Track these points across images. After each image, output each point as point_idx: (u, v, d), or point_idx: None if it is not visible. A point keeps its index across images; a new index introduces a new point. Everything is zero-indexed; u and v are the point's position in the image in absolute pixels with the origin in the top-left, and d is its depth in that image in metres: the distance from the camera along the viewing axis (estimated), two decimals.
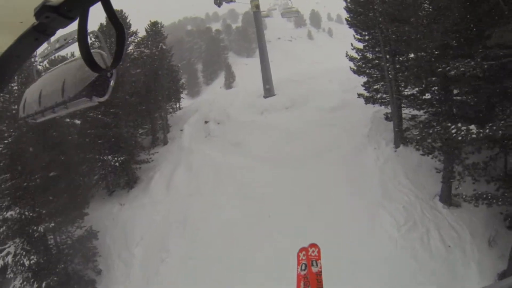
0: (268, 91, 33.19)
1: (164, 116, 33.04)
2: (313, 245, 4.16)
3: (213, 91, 74.20)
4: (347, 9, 23.05)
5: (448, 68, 13.52)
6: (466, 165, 16.80)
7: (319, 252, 4.12)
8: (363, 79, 24.36)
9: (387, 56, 21.44)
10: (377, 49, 22.70)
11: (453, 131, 14.20)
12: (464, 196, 15.92)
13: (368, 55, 23.39)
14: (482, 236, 17.14)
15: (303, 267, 4.05)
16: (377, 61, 22.99)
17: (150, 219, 23.12)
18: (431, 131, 16.38)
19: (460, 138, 14.02)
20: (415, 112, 21.24)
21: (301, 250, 4.19)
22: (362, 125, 25.08)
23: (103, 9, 1.18)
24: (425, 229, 17.70)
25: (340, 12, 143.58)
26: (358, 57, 23.77)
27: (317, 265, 4.04)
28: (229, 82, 76.11)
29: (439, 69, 14.23)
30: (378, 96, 23.57)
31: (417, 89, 19.29)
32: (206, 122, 31.59)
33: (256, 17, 36.25)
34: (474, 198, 15.33)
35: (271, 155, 24.85)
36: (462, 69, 12.96)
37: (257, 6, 35.21)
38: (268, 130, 27.15)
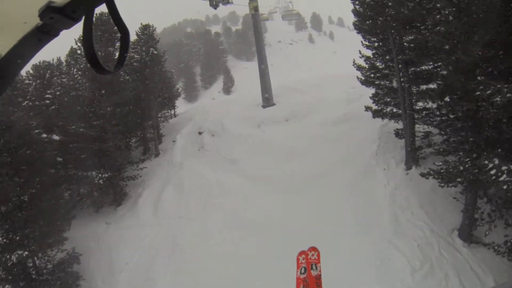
0: (267, 101, 30.61)
1: (156, 126, 30.57)
2: (313, 248, 4.25)
3: (211, 95, 72.01)
4: (355, 13, 20.44)
5: (489, 92, 10.77)
6: (496, 203, 13.95)
7: (318, 255, 4.23)
8: (371, 90, 21.73)
9: (400, 66, 18.90)
10: (387, 57, 20.17)
11: (488, 167, 11.40)
12: (495, 247, 12.77)
13: (378, 64, 20.77)
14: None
15: (303, 271, 4.19)
16: (387, 71, 20.42)
17: (137, 243, 21.05)
18: (455, 163, 13.78)
19: (495, 178, 11.21)
20: (427, 125, 18.93)
21: (300, 253, 4.28)
22: (369, 141, 22.57)
23: (108, 10, 1.19)
24: (443, 274, 14.70)
25: (341, 16, 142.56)
26: (367, 66, 21.11)
27: (316, 268, 4.18)
28: (228, 87, 73.52)
29: (477, 93, 11.47)
30: (388, 109, 20.98)
31: (437, 106, 16.64)
32: (200, 133, 29.26)
33: (255, 20, 33.65)
34: (508, 250, 12.27)
35: (267, 176, 22.36)
36: (508, 94, 10.16)
37: (256, 8, 32.65)
38: (265, 146, 24.67)
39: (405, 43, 18.41)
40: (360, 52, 21.15)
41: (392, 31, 18.31)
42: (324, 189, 19.79)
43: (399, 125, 20.90)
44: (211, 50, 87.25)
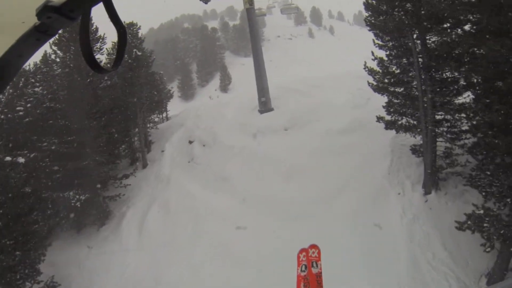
0: (264, 105, 27.22)
1: (142, 134, 27.41)
2: (313, 246, 4.10)
3: (208, 93, 68.73)
4: (367, 5, 17.07)
5: None
6: None
7: (319, 253, 4.08)
8: (383, 98, 18.48)
9: (421, 72, 15.64)
10: (405, 60, 16.88)
11: None
12: None
13: (393, 69, 17.41)
14: None
15: (303, 268, 4.03)
16: (404, 76, 17.14)
17: (120, 271, 18.77)
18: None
19: None
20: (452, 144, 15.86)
21: (301, 251, 4.15)
22: (380, 156, 19.37)
23: (105, 9, 1.19)
24: None
25: (341, 10, 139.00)
26: (380, 71, 17.73)
27: (317, 266, 4.02)
28: (225, 84, 70.01)
29: None
30: (403, 120, 17.71)
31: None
32: (190, 142, 26.11)
33: (250, 14, 29.98)
34: None
35: (263, 198, 19.18)
36: None
37: (251, 2, 29.05)
38: (261, 162, 21.43)
39: (430, 44, 15.15)
40: (373, 54, 17.67)
41: (413, 30, 15.05)
42: (327, 217, 16.58)
43: (416, 140, 17.73)
44: (208, 46, 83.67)
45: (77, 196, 21.54)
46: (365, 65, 17.92)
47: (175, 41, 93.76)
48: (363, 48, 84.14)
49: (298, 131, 23.41)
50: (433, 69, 15.36)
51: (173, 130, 29.11)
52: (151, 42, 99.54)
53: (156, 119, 34.12)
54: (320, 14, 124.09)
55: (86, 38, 1.15)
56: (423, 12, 14.26)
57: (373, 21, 16.60)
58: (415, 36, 15.32)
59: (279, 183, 19.68)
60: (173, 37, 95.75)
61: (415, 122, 17.18)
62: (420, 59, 15.48)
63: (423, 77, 15.58)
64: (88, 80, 23.01)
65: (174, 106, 50.67)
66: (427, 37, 15.11)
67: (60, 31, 1.47)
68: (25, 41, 1.28)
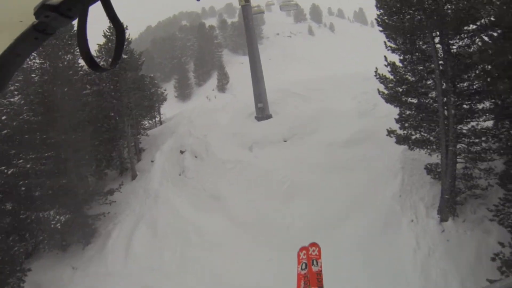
0: (261, 111, 24.85)
1: (130, 143, 25.18)
2: (314, 244, 4.20)
3: (205, 93, 66.10)
4: (379, 2, 14.64)
5: None
6: None
7: (319, 251, 4.17)
8: (395, 109, 16.11)
9: (443, 82, 13.28)
10: (420, 67, 14.46)
11: None
12: None
13: (408, 76, 14.91)
14: None
15: (304, 266, 4.13)
16: (419, 84, 14.70)
17: None
18: None
19: None
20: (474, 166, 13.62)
21: (301, 249, 4.23)
22: (390, 174, 17.09)
23: (103, 8, 1.18)
24: None
25: (341, 7, 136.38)
26: (394, 79, 15.24)
27: (317, 264, 4.12)
28: (222, 84, 67.15)
29: None
30: (417, 136, 15.35)
31: None
32: (181, 152, 23.86)
33: (245, 12, 27.53)
34: None
35: (259, 222, 17.05)
36: None
37: None
38: (258, 178, 19.17)
39: (454, 50, 12.81)
40: (386, 59, 15.16)
41: (434, 32, 12.71)
42: (330, 248, 13.95)
43: (432, 158, 15.42)
44: (205, 45, 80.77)
45: (58, 217, 19.49)
46: (376, 72, 15.46)
47: (172, 39, 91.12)
48: (364, 45, 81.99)
49: (298, 142, 21.11)
50: (458, 79, 12.99)
51: (165, 136, 26.88)
52: (148, 40, 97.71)
53: (148, 124, 31.93)
54: (320, 11, 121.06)
55: (84, 37, 1.12)
56: (448, 11, 11.93)
57: (386, 20, 14.14)
58: (437, 40, 12.97)
59: (277, 205, 17.45)
60: (171, 35, 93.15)
61: (431, 138, 14.86)
62: (441, 66, 13.15)
63: (444, 86, 13.21)
64: (66, 89, 20.64)
65: (171, 107, 48.60)
66: (452, 42, 12.74)
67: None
68: (23, 40, 1.27)
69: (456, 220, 13.99)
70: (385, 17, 14.21)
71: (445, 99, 13.28)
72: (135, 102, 25.76)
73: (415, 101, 14.86)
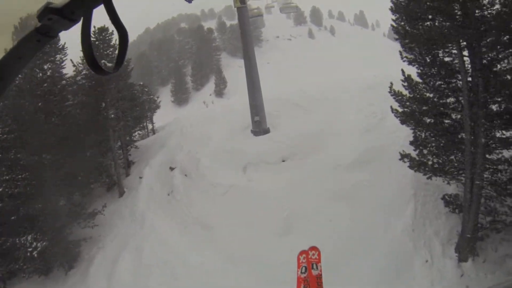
0: (258, 125, 22.53)
1: (117, 158, 23.04)
2: (313, 248, 4.55)
3: (203, 98, 64.11)
4: (395, 5, 12.22)
5: None
6: None
7: (319, 255, 4.51)
8: (409, 130, 13.90)
9: (471, 101, 11.08)
10: (442, 84, 12.24)
11: None
12: None
13: (428, 94, 12.54)
14: None
15: (303, 270, 4.52)
16: (440, 104, 12.47)
17: None
18: None
19: None
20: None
21: (301, 253, 4.57)
22: (401, 202, 14.90)
23: (106, 11, 1.18)
24: None
25: (341, 9, 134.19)
26: (412, 96, 12.81)
27: (317, 268, 4.49)
28: (220, 89, 65.07)
29: None
30: (434, 161, 13.05)
31: None
32: (171, 168, 21.67)
33: (241, 15, 24.89)
34: None
35: (252, 256, 14.80)
36: None
37: (242, 1, 24.27)
38: (253, 206, 16.88)
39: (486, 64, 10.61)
40: (403, 73, 12.86)
41: (462, 43, 10.53)
42: None
43: (451, 187, 13.43)
44: (203, 48, 78.56)
45: (35, 243, 17.74)
46: (391, 88, 13.19)
47: (170, 42, 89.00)
48: (365, 49, 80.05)
49: (298, 163, 18.83)
50: (490, 101, 10.79)
51: (155, 149, 24.66)
52: (146, 42, 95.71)
53: (138, 136, 29.88)
54: (320, 14, 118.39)
55: (88, 40, 1.14)
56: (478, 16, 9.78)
57: (407, 28, 11.83)
58: (466, 52, 10.78)
59: (273, 237, 15.20)
60: (169, 38, 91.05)
61: (452, 168, 12.68)
62: (469, 83, 10.96)
63: (473, 109, 11.02)
64: (40, 103, 18.56)
65: (167, 112, 46.54)
66: (486, 55, 10.53)
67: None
68: (26, 42, 1.25)
69: (476, 260, 11.89)
70: (403, 23, 11.97)
71: (472, 123, 11.10)
72: (123, 113, 23.65)
73: (433, 121, 12.64)
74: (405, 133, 14.28)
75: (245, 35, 24.84)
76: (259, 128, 22.34)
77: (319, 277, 4.22)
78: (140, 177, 22.48)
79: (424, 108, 12.26)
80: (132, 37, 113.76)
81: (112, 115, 22.72)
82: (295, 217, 15.72)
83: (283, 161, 19.37)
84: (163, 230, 17.82)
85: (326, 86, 27.79)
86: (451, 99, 12.01)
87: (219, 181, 18.86)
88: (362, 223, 14.63)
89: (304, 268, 4.33)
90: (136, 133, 29.20)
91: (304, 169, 18.08)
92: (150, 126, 34.00)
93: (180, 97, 67.65)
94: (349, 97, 24.27)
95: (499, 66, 10.53)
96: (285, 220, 15.72)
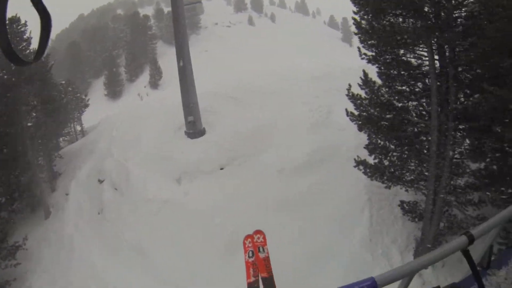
0: (192, 126, 19.90)
1: (38, 174, 20.19)
2: (258, 231, 4.39)
3: (137, 90, 60.02)
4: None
5: None
6: None
7: (264, 238, 4.40)
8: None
9: (440, 109, 9.46)
10: (405, 88, 10.49)
11: None
12: None
13: (390, 98, 10.73)
14: None
15: (250, 254, 4.44)
16: (400, 109, 10.71)
17: None
18: None
19: None
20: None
21: (246, 237, 4.45)
22: (355, 208, 13.67)
23: None
24: None
25: None
26: (365, 97, 11.20)
27: (264, 250, 4.40)
28: (155, 80, 61.01)
29: None
30: (394, 169, 11.52)
31: None
32: (100, 181, 19.04)
33: (174, 2, 21.34)
34: None
35: (192, 282, 12.73)
36: None
37: None
38: (190, 226, 14.54)
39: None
40: (365, 75, 10.91)
41: (434, 41, 8.82)
42: None
43: (408, 194, 12.43)
44: (138, 36, 73.73)
45: None
46: (349, 91, 11.32)
47: (104, 29, 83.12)
48: (305, 38, 79.07)
49: (239, 170, 16.66)
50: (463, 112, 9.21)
51: (83, 157, 21.88)
52: (79, 30, 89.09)
53: (65, 140, 27.03)
54: (261, 1, 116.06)
55: (3, 26, 1.03)
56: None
57: (374, 23, 9.87)
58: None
59: (216, 259, 13.14)
60: (103, 25, 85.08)
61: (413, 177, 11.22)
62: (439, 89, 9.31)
63: (441, 117, 9.40)
64: None
65: (99, 108, 42.96)
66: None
67: None
68: None
69: (436, 266, 10.85)
70: (368, 17, 10.04)
71: (440, 134, 9.53)
72: (41, 120, 20.49)
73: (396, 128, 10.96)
74: (355, 130, 12.70)
75: (177, 21, 21.60)
76: (194, 129, 19.87)
77: (266, 259, 4.10)
78: (67, 194, 19.75)
79: (388, 115, 10.49)
80: (64, 24, 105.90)
81: (29, 123, 19.61)
82: (239, 233, 13.52)
83: (221, 168, 17.12)
84: (94, 259, 15.26)
85: (267, 76, 25.76)
86: (416, 105, 10.37)
87: (152, 195, 16.36)
88: (316, 236, 13.05)
89: (251, 252, 4.22)
90: (61, 138, 26.11)
91: (245, 176, 16.01)
92: (79, 127, 30.76)
93: (114, 90, 62.77)
94: (293, 89, 22.57)
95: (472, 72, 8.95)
96: (228, 238, 13.61)
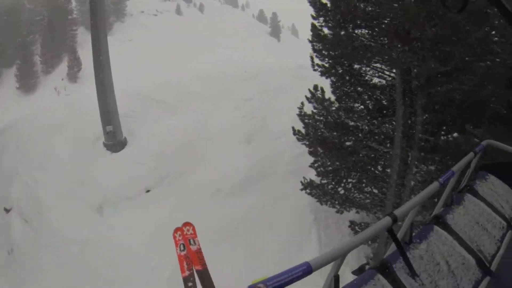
0: (112, 137, 17.42)
1: None
2: (187, 223, 4.01)
3: (54, 83, 54.57)
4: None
5: None
6: None
7: (194, 229, 3.98)
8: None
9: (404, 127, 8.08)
10: (366, 111, 8.97)
11: None
12: None
13: (340, 115, 9.17)
14: None
15: (182, 248, 3.94)
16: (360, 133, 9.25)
17: None
18: None
19: None
20: None
21: (176, 230, 4.03)
22: (302, 231, 12.36)
23: None
24: None
25: None
26: (317, 117, 9.54)
27: (195, 243, 3.93)
28: (74, 72, 55.16)
29: None
30: (342, 192, 10.10)
31: None
32: (6, 210, 15.87)
33: None
34: None
35: None
36: None
37: None
38: (120, 270, 12.24)
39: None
40: (319, 89, 9.22)
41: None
42: None
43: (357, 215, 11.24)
44: (57, 21, 67.15)
45: None
46: (300, 110, 9.63)
47: (18, 11, 74.89)
48: (235, 31, 77.03)
49: (167, 192, 14.52)
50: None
51: None
52: None
53: None
54: None
55: None
56: None
57: (342, 32, 8.12)
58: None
59: None
60: (17, 6, 76.61)
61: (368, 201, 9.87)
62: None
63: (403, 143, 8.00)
64: None
65: (10, 104, 38.57)
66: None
67: None
68: None
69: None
70: (327, 24, 8.33)
71: (402, 163, 8.15)
72: None
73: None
74: (292, 138, 11.28)
75: (96, 14, 18.85)
76: (113, 140, 17.35)
77: (198, 251, 3.66)
78: None
79: (346, 140, 8.93)
80: None
81: None
82: (179, 275, 11.59)
83: (148, 191, 14.87)
84: None
85: (195, 75, 23.57)
86: (375, 128, 8.88)
87: (70, 233, 13.65)
88: (263, 268, 11.18)
89: (182, 245, 3.76)
90: None
91: (176, 200, 13.90)
92: None
93: (27, 83, 56.52)
94: (223, 89, 20.75)
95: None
96: (168, 283, 11.46)
